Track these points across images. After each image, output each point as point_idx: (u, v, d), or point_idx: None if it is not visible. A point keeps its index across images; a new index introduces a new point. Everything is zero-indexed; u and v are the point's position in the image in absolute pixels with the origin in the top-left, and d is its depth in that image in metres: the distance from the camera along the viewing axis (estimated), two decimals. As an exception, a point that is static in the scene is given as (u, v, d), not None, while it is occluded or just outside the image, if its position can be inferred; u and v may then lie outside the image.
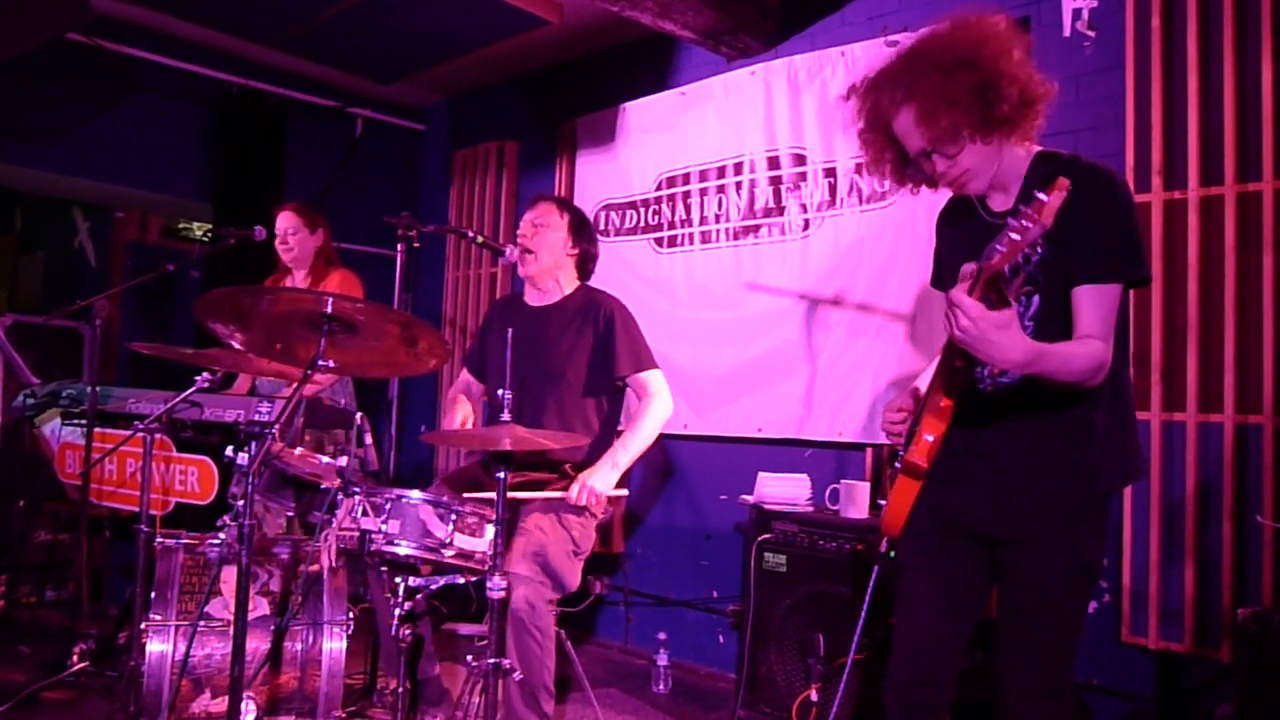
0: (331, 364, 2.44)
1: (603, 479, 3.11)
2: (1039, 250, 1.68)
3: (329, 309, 2.38)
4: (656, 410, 3.28)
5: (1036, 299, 1.98)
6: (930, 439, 1.94)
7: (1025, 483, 2.01)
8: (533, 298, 3.50)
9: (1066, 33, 3.53)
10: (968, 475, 2.06)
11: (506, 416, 2.63)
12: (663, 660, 4.18)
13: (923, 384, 2.22)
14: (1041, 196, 1.60)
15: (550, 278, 3.43)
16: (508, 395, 2.64)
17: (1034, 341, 1.81)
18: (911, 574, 2.20)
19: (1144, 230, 3.19)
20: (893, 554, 2.18)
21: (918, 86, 1.95)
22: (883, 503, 2.05)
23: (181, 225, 7.20)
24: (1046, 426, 2.01)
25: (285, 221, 4.36)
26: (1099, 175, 1.92)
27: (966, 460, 2.06)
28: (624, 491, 3.24)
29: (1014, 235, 1.66)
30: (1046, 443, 2.01)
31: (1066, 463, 1.99)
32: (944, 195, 2.22)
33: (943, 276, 2.27)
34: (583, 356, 3.32)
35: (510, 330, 2.77)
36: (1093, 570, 2.02)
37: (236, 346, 2.69)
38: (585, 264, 3.50)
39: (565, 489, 3.10)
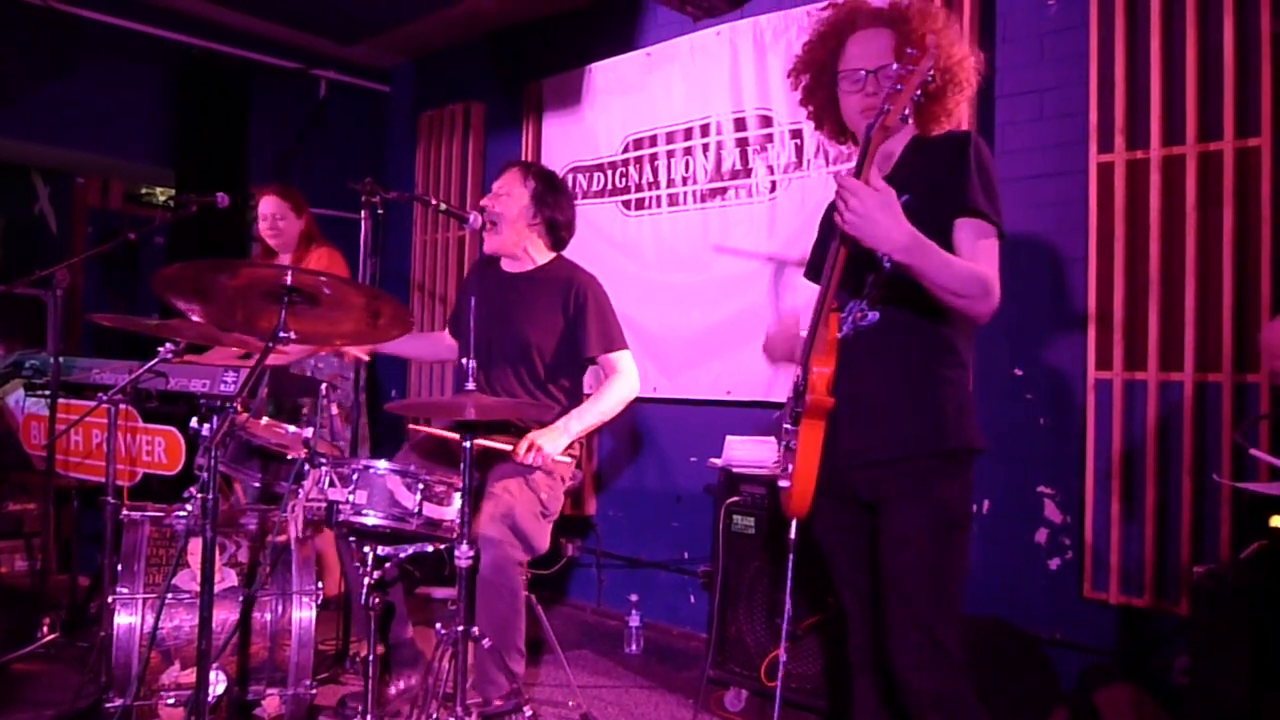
0: (293, 335, 2.42)
1: (552, 441, 3.08)
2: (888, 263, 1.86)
3: (288, 280, 2.36)
4: (620, 388, 3.28)
5: (875, 314, 2.07)
6: (825, 372, 1.94)
7: (881, 428, 2.04)
8: (508, 264, 3.47)
9: (1032, -9, 3.51)
10: (839, 426, 2.00)
11: (471, 385, 2.63)
12: (635, 621, 4.22)
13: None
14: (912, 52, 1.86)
15: (517, 248, 3.40)
16: (472, 364, 2.64)
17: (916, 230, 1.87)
18: (830, 558, 2.24)
19: (1104, 190, 3.21)
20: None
21: (905, 24, 2.09)
22: (784, 484, 1.99)
23: (144, 190, 7.09)
24: (900, 375, 2.06)
25: (271, 206, 4.27)
26: (959, 134, 2.11)
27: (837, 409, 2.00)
28: (568, 460, 3.21)
29: (899, 85, 1.85)
30: (900, 391, 2.05)
31: (918, 413, 2.03)
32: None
33: (816, 264, 2.36)
34: (553, 333, 3.28)
35: (474, 299, 2.75)
36: (956, 520, 2.02)
37: (197, 320, 2.65)
38: (554, 232, 3.43)
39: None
